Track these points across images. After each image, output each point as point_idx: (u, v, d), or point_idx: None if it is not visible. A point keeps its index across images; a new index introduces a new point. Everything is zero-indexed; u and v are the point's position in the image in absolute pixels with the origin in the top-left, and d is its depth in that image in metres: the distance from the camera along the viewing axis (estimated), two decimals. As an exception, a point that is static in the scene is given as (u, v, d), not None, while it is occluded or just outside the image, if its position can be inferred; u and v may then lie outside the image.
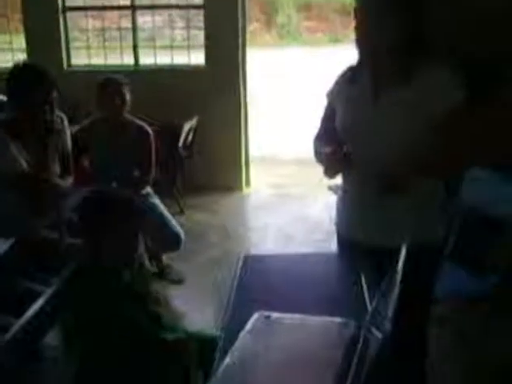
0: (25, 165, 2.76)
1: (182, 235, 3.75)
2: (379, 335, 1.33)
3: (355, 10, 1.89)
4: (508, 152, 1.76)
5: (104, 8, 6.13)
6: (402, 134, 1.84)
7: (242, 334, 1.51)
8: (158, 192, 3.89)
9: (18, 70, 2.78)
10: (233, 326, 1.63)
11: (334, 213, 2.22)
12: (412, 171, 1.84)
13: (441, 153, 1.79)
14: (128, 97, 3.53)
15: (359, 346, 1.38)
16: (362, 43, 1.91)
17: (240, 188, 5.75)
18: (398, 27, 1.81)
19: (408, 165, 1.83)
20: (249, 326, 1.56)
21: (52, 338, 2.61)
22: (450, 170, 1.87)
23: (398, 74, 1.88)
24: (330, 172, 1.99)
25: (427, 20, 1.88)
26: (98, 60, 6.03)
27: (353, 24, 1.90)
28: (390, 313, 1.26)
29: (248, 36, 5.60)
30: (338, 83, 2.09)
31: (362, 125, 1.94)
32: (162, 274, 3.90)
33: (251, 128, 5.84)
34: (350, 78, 2.05)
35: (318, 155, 2.08)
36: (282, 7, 19.67)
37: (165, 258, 4.00)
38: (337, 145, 1.97)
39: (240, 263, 2.06)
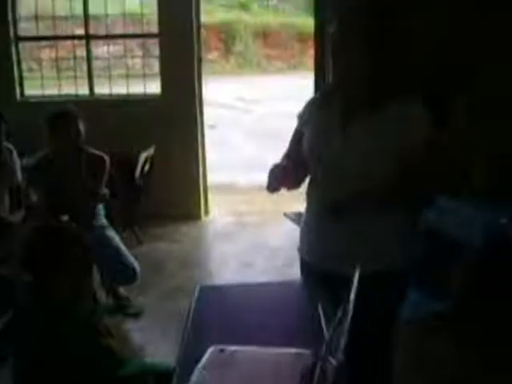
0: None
1: (138, 269, 3.67)
2: (335, 365, 1.31)
3: (315, 37, 1.93)
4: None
5: (58, 38, 6.08)
6: (366, 163, 1.87)
7: (196, 370, 1.48)
8: (114, 223, 3.83)
9: None
10: (188, 360, 1.60)
11: (293, 239, 2.21)
12: (370, 198, 1.86)
13: (403, 183, 1.82)
14: (82, 128, 3.46)
15: (316, 376, 1.35)
16: (334, 72, 1.93)
17: (199, 216, 5.71)
18: (369, 60, 1.84)
19: (368, 191, 1.85)
20: (203, 360, 1.53)
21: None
22: (409, 198, 1.90)
23: (368, 104, 1.90)
24: (273, 185, 1.97)
25: (400, 55, 1.93)
26: (52, 90, 5.95)
27: (310, 51, 1.94)
28: (342, 342, 1.24)
29: (208, 65, 5.62)
30: (308, 107, 2.11)
31: (328, 151, 1.95)
32: (120, 307, 3.81)
33: (209, 156, 5.83)
34: (320, 103, 2.07)
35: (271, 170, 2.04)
36: (240, 35, 19.86)
37: (122, 290, 3.91)
38: (294, 163, 2.00)
39: (196, 295, 2.03)
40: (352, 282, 1.40)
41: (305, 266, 2.16)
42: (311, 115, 2.07)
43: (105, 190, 3.62)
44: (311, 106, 2.11)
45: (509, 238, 3.20)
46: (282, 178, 1.96)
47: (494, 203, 3.42)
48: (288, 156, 2.13)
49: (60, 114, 3.44)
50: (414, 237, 2.02)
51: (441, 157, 1.89)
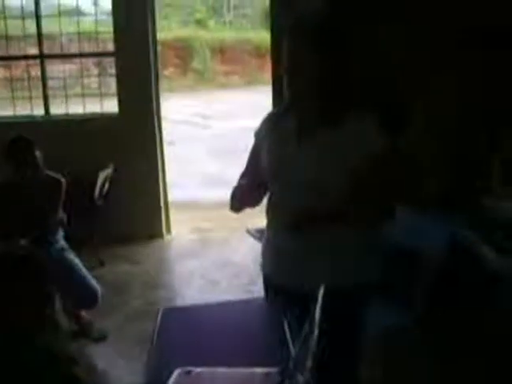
0: None
1: (99, 291, 3.61)
2: (303, 382, 1.30)
3: (272, 52, 1.92)
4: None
5: (11, 58, 5.98)
6: (322, 177, 1.87)
7: (163, 394, 1.45)
8: (74, 246, 3.75)
9: None
10: (155, 382, 1.57)
11: (256, 255, 2.20)
12: (325, 213, 1.86)
13: (359, 197, 1.83)
14: (37, 154, 3.41)
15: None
16: (288, 86, 1.94)
17: (161, 235, 5.64)
18: (323, 73, 1.85)
19: (324, 206, 1.85)
20: (170, 383, 1.50)
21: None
22: (365, 212, 1.90)
23: (323, 118, 1.91)
24: (235, 205, 2.02)
25: (354, 69, 1.95)
26: (6, 111, 5.83)
27: (268, 66, 1.94)
28: (309, 359, 1.24)
29: (166, 81, 5.59)
30: (264, 124, 2.11)
31: (284, 166, 1.95)
32: (83, 332, 3.72)
33: (169, 174, 5.79)
34: (275, 119, 2.07)
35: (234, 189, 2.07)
36: (196, 51, 19.90)
37: (85, 314, 3.82)
38: (252, 181, 2.01)
39: (160, 317, 2.00)
40: (315, 298, 1.40)
41: (267, 283, 2.15)
42: (268, 131, 2.07)
43: (62, 214, 3.56)
44: (267, 122, 2.11)
45: (469, 248, 3.26)
46: (242, 197, 1.98)
47: (451, 212, 3.47)
48: (246, 174, 2.13)
49: (14, 141, 3.40)
50: (373, 250, 2.03)
51: (396, 169, 1.91)
